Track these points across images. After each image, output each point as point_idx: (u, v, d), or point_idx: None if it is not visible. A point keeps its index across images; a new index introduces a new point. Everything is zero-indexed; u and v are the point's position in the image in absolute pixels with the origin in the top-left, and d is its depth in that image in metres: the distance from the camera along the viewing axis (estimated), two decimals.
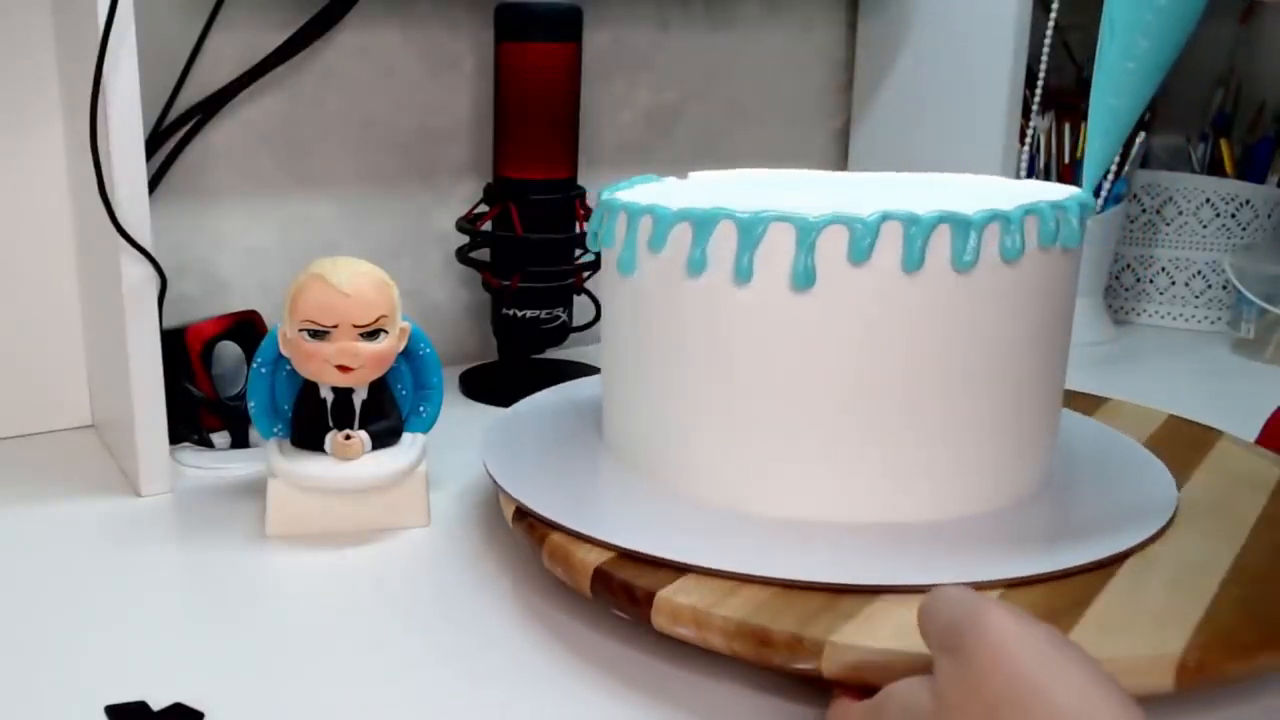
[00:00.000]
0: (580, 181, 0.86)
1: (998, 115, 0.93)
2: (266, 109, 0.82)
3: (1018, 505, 0.55)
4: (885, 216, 0.50)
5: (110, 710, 0.45)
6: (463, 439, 0.73)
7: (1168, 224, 1.09)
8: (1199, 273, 1.09)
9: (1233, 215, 1.07)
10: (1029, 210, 0.52)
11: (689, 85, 1.00)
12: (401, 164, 0.88)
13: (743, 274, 0.52)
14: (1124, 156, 1.02)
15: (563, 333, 0.86)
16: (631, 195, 0.58)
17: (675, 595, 0.47)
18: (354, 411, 0.61)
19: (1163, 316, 1.11)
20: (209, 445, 0.72)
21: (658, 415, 0.57)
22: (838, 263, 0.51)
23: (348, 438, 0.60)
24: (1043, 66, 0.92)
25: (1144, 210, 1.10)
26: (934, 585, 0.44)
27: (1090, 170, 0.60)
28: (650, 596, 0.47)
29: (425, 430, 0.64)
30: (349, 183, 0.87)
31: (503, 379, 0.87)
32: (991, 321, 0.52)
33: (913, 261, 0.50)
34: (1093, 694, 0.33)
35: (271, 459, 0.61)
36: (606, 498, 0.57)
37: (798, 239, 0.51)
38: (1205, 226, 1.08)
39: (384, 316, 0.59)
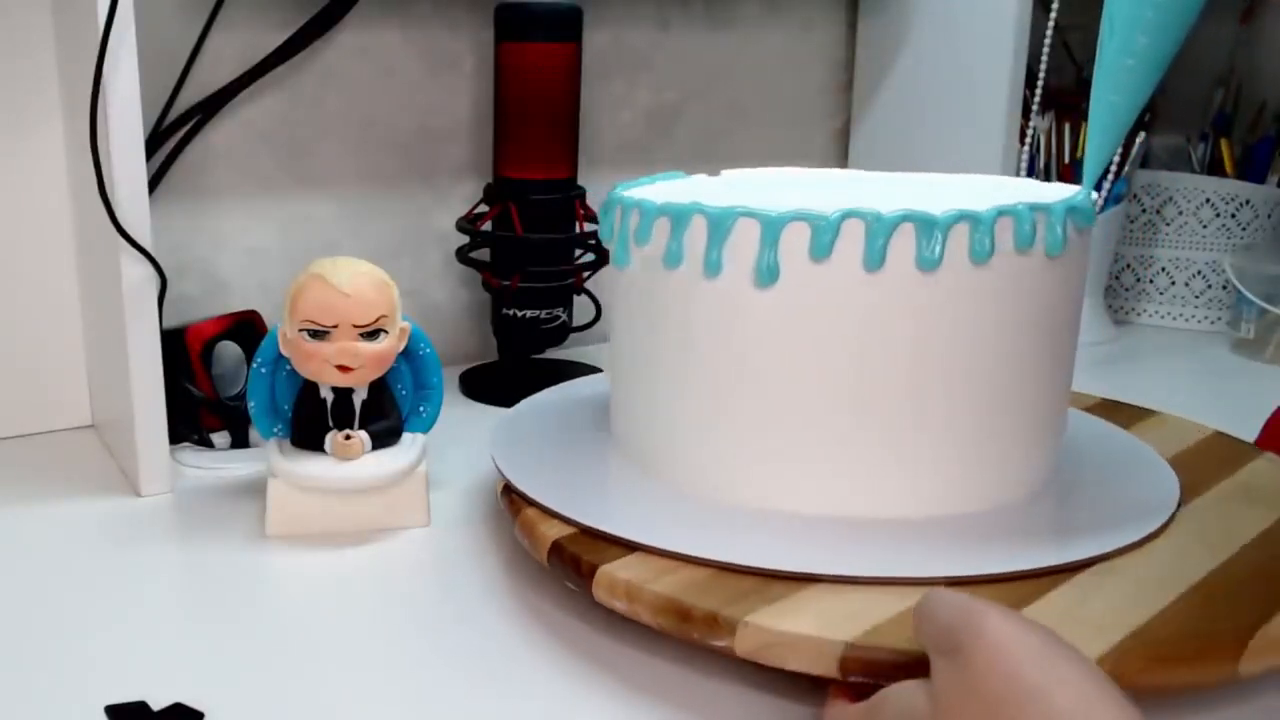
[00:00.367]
0: (580, 181, 0.86)
1: (998, 115, 0.93)
2: (266, 109, 0.82)
3: (997, 506, 0.55)
4: (847, 214, 0.51)
5: (110, 710, 0.45)
6: (463, 439, 0.73)
7: (1168, 224, 1.09)
8: (1199, 273, 1.09)
9: (1233, 215, 1.07)
10: (1003, 212, 0.51)
11: (689, 85, 1.00)
12: (401, 164, 0.88)
13: (712, 268, 0.53)
14: (1124, 156, 1.02)
15: (563, 333, 0.86)
16: (640, 191, 0.59)
17: (617, 570, 0.49)
18: (354, 411, 0.61)
19: (1163, 316, 1.11)
20: (209, 445, 0.72)
21: (647, 406, 0.59)
22: (800, 259, 0.52)
23: (348, 438, 0.60)
24: (1043, 66, 0.92)
25: (1144, 210, 1.10)
26: (857, 576, 0.47)
27: (1090, 167, 0.60)
28: (594, 570, 0.49)
29: (425, 430, 0.64)
30: (349, 183, 0.87)
31: (503, 379, 0.87)
32: (961, 323, 0.52)
33: (874, 260, 0.51)
34: (1090, 695, 0.33)
35: (271, 459, 0.61)
36: (588, 482, 0.58)
37: (762, 235, 0.52)
38: (1205, 226, 1.08)
39: (384, 316, 0.59)
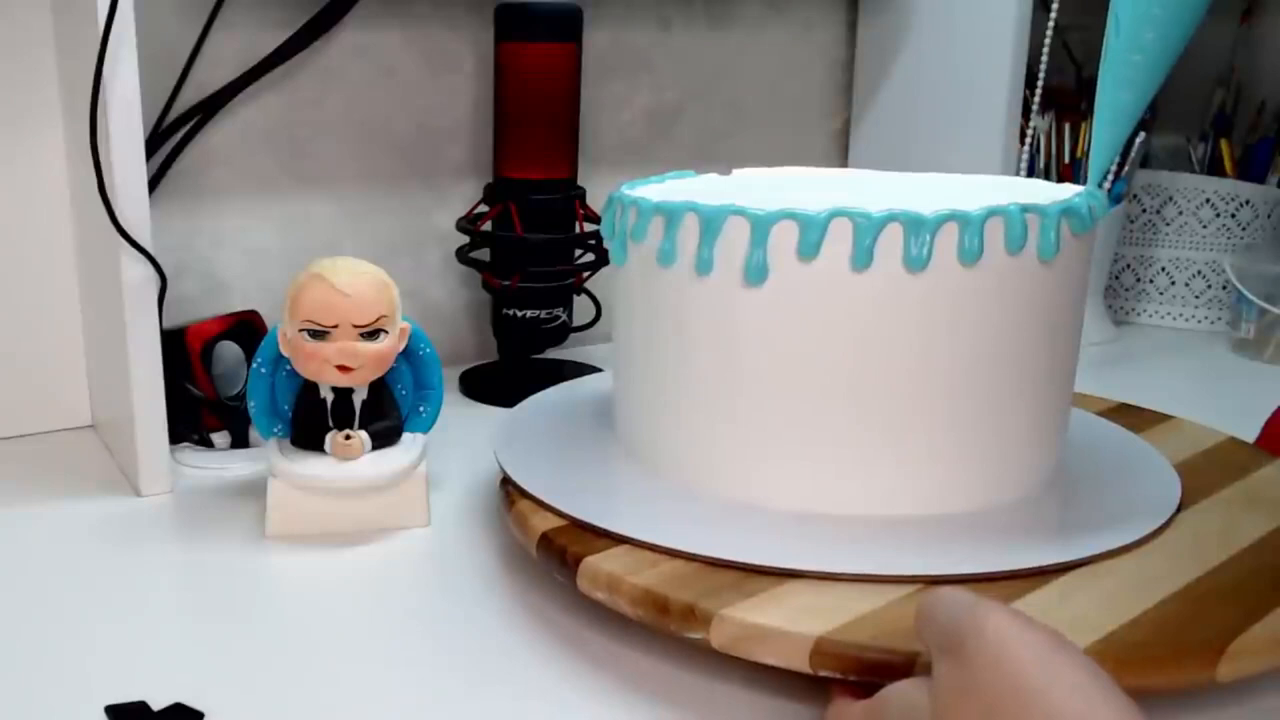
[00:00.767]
0: (580, 181, 0.86)
1: (998, 115, 0.93)
2: (266, 109, 0.82)
3: (990, 507, 0.55)
4: (835, 213, 0.51)
5: (110, 710, 0.45)
6: (463, 439, 0.73)
7: (1168, 224, 1.09)
8: (1199, 273, 1.09)
9: (1233, 215, 1.07)
10: (993, 213, 0.51)
11: (689, 85, 1.00)
12: (401, 164, 0.88)
13: (703, 266, 0.54)
14: (1124, 156, 1.02)
15: (563, 333, 0.86)
16: (646, 190, 0.60)
17: (600, 562, 0.50)
18: (354, 411, 0.61)
19: (1163, 316, 1.11)
20: (209, 445, 0.72)
21: (644, 403, 0.59)
22: (788, 258, 0.52)
23: (348, 438, 0.60)
24: (1043, 66, 0.92)
25: (1144, 210, 1.10)
26: (837, 573, 0.48)
27: (1096, 163, 0.60)
28: (579, 561, 0.50)
29: (425, 430, 0.64)
30: (349, 183, 0.87)
31: (503, 379, 0.87)
32: (950, 324, 0.52)
33: (861, 259, 0.51)
34: (1093, 695, 0.33)
35: (271, 459, 0.61)
36: (585, 477, 0.58)
37: (751, 233, 0.52)
38: (1205, 226, 1.08)
39: (384, 317, 0.59)
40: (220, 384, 0.73)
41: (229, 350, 0.74)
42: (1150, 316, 1.11)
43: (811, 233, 0.51)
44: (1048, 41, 0.91)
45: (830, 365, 0.52)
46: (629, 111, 0.97)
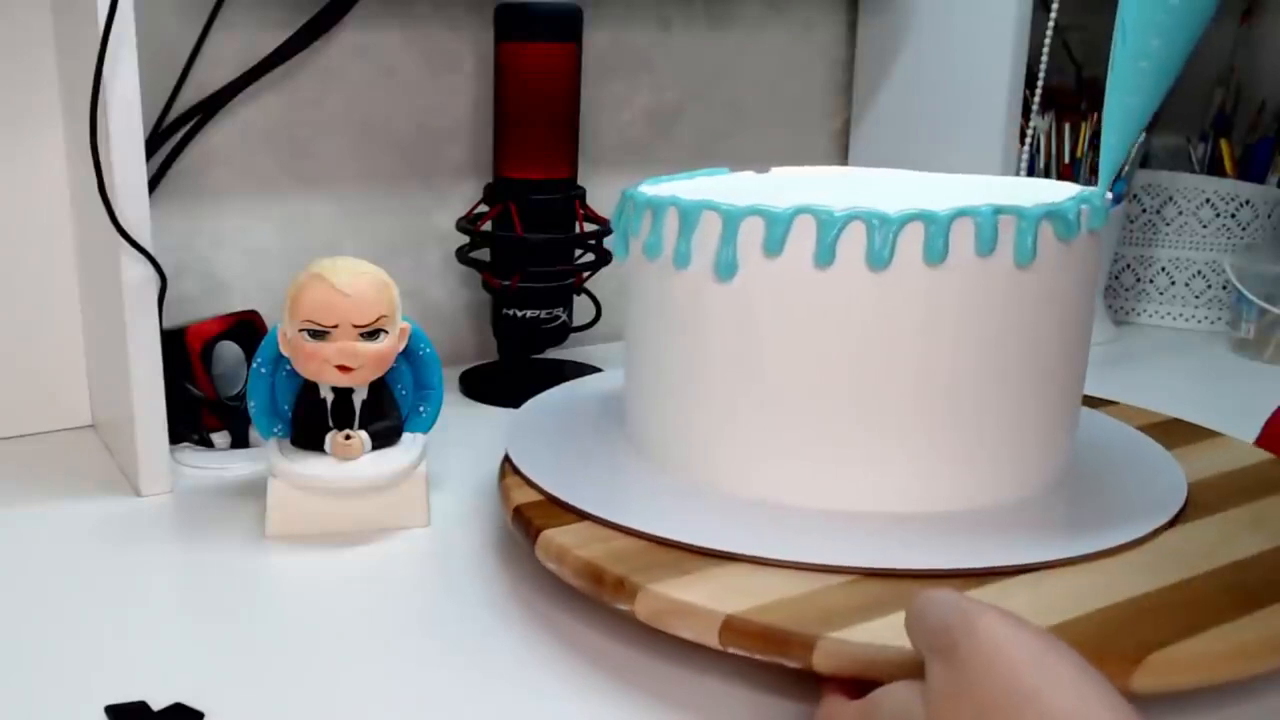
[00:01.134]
0: (580, 181, 0.86)
1: (998, 115, 0.93)
2: (266, 109, 0.82)
3: (972, 508, 0.55)
4: (799, 210, 0.51)
5: (110, 710, 0.45)
6: (463, 439, 0.73)
7: (1168, 224, 1.09)
8: (1199, 273, 1.09)
9: (1233, 215, 1.07)
10: (961, 213, 0.51)
11: (689, 85, 1.00)
12: (401, 164, 0.88)
13: (680, 260, 0.55)
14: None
15: (563, 333, 0.86)
16: (671, 187, 0.61)
17: (557, 535, 0.52)
18: (354, 411, 0.61)
19: (1163, 316, 1.11)
20: (209, 445, 0.72)
21: (640, 391, 0.60)
22: (756, 253, 0.52)
23: (348, 438, 0.60)
24: (1043, 66, 0.92)
25: (1144, 210, 1.10)
26: (772, 558, 0.49)
27: (1106, 168, 0.60)
28: (539, 533, 0.52)
29: (425, 430, 0.64)
30: (349, 183, 0.87)
31: (503, 379, 0.87)
32: (913, 325, 0.52)
33: (824, 256, 0.51)
34: (1088, 696, 0.33)
35: (271, 459, 0.61)
36: (574, 460, 0.60)
37: (723, 229, 0.53)
38: (1205, 226, 1.08)
39: (384, 317, 0.59)
40: (220, 384, 0.73)
41: (229, 350, 0.74)
42: (1150, 316, 1.11)
43: (776, 229, 0.52)
44: (1048, 41, 0.91)
45: (795, 360, 0.53)
46: (629, 111, 0.97)
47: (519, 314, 0.84)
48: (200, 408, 0.72)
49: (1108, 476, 0.59)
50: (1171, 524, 0.54)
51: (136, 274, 0.62)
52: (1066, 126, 1.02)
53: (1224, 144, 1.11)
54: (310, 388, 0.61)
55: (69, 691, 0.47)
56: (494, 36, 0.82)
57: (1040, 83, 0.92)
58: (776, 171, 0.68)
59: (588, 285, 0.87)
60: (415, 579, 0.57)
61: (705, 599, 0.46)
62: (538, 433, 0.63)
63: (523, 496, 0.56)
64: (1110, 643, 0.43)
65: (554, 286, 0.84)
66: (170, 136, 0.78)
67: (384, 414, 0.62)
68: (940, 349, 0.52)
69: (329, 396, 0.61)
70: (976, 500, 0.55)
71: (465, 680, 0.48)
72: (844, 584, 0.48)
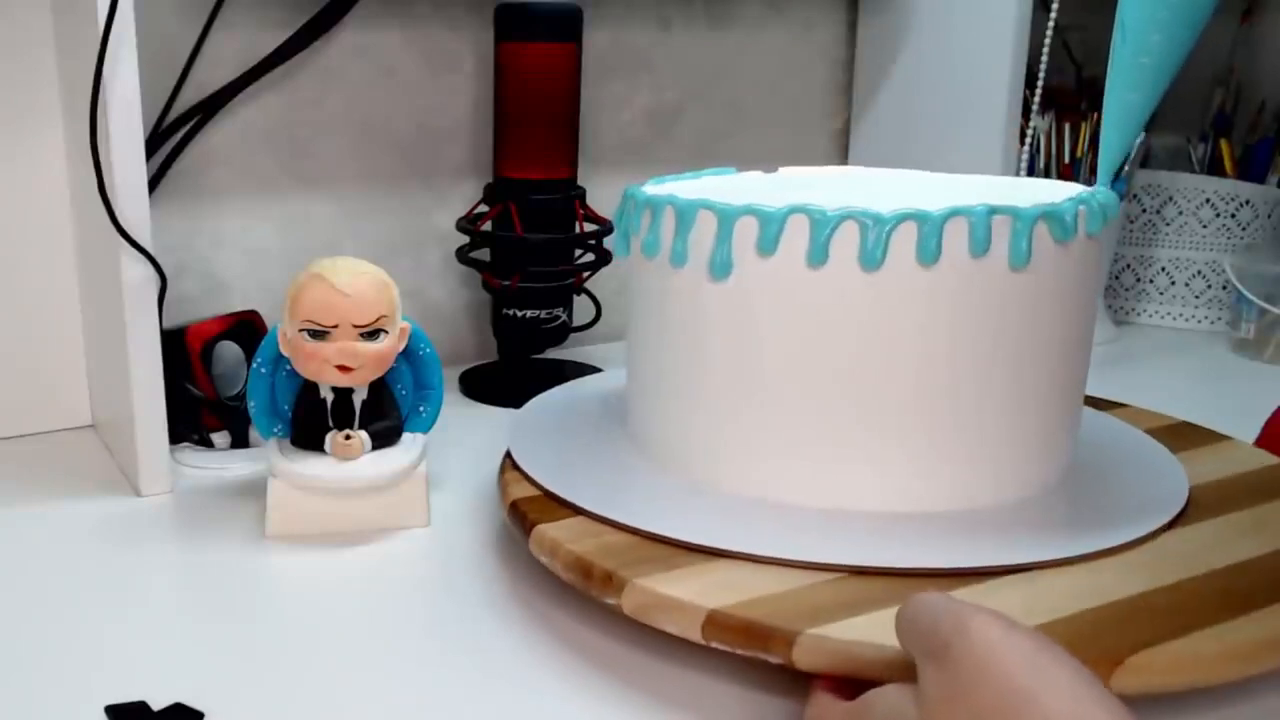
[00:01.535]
0: (580, 181, 0.86)
1: (998, 115, 0.93)
2: (266, 109, 0.82)
3: (969, 508, 0.55)
4: (793, 210, 0.52)
5: (110, 710, 0.45)
6: (463, 439, 0.73)
7: (1168, 224, 1.09)
8: (1199, 273, 1.09)
9: (1233, 215, 1.07)
10: (955, 213, 0.50)
11: (689, 85, 1.00)
12: (401, 164, 0.88)
13: (677, 258, 0.55)
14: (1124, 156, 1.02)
15: (563, 333, 0.86)
16: (673, 187, 0.61)
17: (550, 529, 0.52)
18: (354, 411, 0.61)
19: (1163, 316, 1.11)
20: (209, 445, 0.72)
21: (639, 390, 0.61)
22: (749, 253, 0.53)
23: (348, 438, 0.60)
24: (1043, 66, 0.92)
25: (1144, 210, 1.10)
26: (762, 555, 0.49)
27: (1105, 165, 0.60)
28: (533, 527, 0.53)
29: (425, 430, 0.64)
30: (349, 183, 0.87)
31: (503, 379, 0.87)
32: (907, 325, 0.52)
33: (817, 255, 0.51)
34: (1083, 698, 0.33)
35: (271, 459, 0.61)
36: (574, 456, 0.60)
37: (718, 228, 0.53)
38: (1205, 226, 1.08)
39: (384, 317, 0.59)
40: (220, 384, 0.73)
41: (229, 350, 0.74)
42: (1150, 316, 1.11)
43: (769, 228, 0.52)
44: (1048, 41, 0.91)
45: (789, 359, 0.53)
46: (629, 111, 0.97)
47: (519, 314, 0.84)
48: (200, 408, 0.72)
49: (1110, 478, 0.59)
50: (1171, 525, 0.54)
51: (136, 274, 0.62)
52: (1066, 126, 1.02)
53: (1224, 144, 1.11)
54: (310, 388, 0.61)
55: (69, 691, 0.47)
56: (494, 36, 0.82)
57: (1040, 83, 0.92)
58: (784, 171, 0.68)
59: (588, 285, 0.87)
60: (415, 579, 0.57)
61: (691, 594, 0.46)
62: (539, 431, 0.63)
63: (520, 492, 0.57)
64: (1095, 642, 0.43)
65: (554, 286, 0.84)
66: (170, 136, 0.78)
67: (384, 414, 0.62)
68: (936, 349, 0.52)
69: (329, 396, 0.61)
70: (976, 500, 0.55)
71: (465, 680, 0.48)
72: (832, 581, 0.48)
